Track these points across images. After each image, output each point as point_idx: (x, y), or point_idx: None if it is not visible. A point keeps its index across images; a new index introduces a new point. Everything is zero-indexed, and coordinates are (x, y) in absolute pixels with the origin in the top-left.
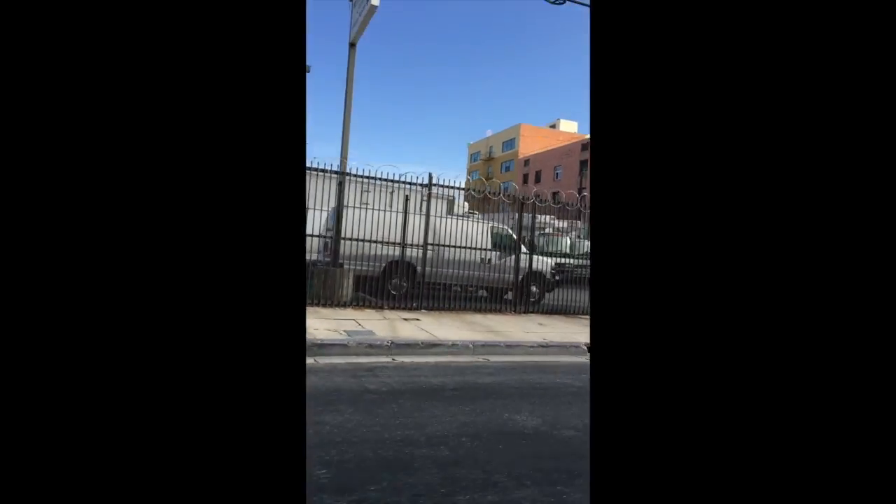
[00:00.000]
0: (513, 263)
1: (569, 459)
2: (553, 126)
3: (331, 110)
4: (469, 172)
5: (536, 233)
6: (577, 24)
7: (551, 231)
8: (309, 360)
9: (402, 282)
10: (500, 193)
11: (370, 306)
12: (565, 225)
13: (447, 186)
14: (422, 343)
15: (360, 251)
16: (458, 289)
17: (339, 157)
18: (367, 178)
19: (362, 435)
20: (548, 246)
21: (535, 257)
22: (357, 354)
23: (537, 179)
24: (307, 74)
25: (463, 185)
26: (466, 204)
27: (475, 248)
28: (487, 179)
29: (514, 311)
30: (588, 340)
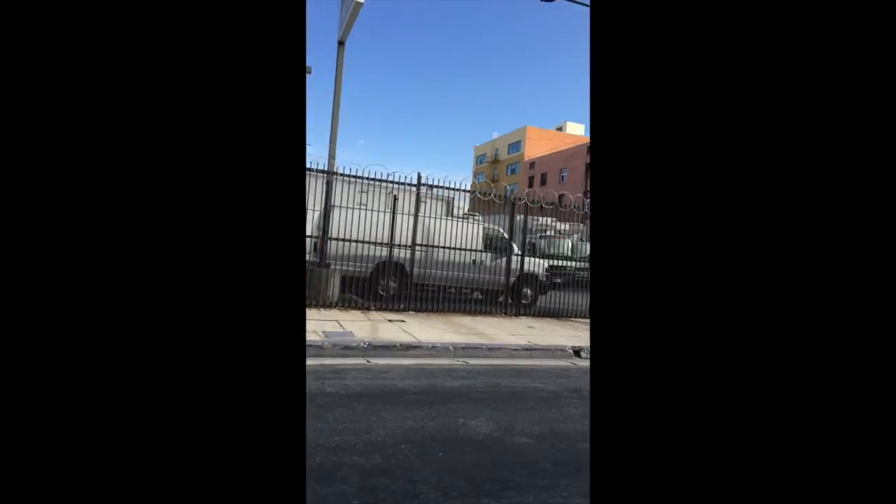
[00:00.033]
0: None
1: (508, 470)
2: (560, 129)
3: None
4: (475, 175)
5: (538, 235)
6: (578, 25)
7: (552, 233)
8: None
9: (390, 283)
10: (491, 195)
11: (357, 307)
12: (567, 227)
13: (436, 186)
14: (400, 345)
15: (349, 251)
16: (453, 291)
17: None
18: (356, 177)
19: None
20: (549, 248)
21: (528, 259)
22: (332, 356)
23: (543, 182)
24: (307, 76)
25: (458, 186)
26: (466, 205)
27: (465, 249)
28: (493, 182)
29: (506, 313)
30: (575, 344)
